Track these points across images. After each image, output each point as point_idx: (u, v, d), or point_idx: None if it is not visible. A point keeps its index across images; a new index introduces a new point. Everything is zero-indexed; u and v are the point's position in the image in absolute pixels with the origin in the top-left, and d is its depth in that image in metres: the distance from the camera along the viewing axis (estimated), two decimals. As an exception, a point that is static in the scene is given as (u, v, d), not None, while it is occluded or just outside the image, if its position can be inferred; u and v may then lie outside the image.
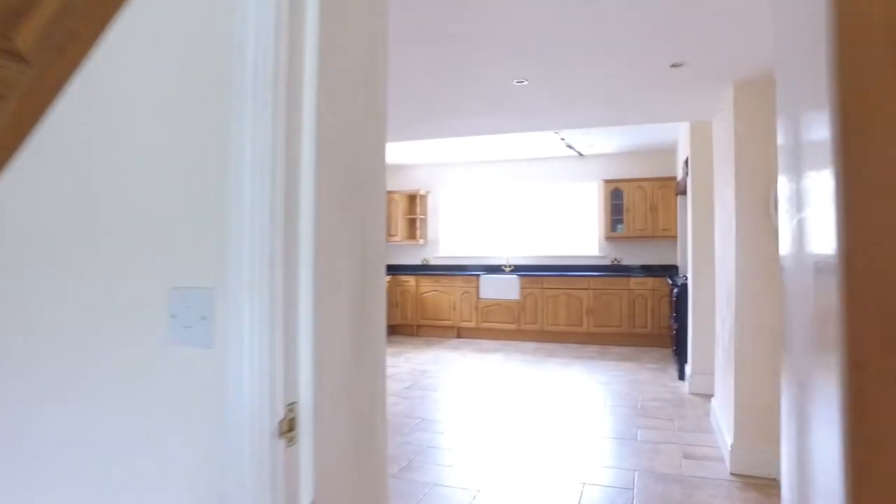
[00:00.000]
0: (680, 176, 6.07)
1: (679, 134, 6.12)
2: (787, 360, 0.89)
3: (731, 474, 3.11)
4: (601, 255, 7.77)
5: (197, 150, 0.92)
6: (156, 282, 0.91)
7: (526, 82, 3.33)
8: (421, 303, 7.97)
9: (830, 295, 0.62)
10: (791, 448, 0.87)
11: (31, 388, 1.00)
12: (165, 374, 0.90)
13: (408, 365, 6.10)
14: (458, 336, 7.81)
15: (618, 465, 3.29)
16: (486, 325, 7.65)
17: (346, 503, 1.02)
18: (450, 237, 8.55)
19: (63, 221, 1.00)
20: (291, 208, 0.87)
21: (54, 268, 1.00)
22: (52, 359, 0.99)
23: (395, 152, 7.45)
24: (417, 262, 8.62)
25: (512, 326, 7.52)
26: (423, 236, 8.56)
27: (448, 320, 7.85)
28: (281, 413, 0.84)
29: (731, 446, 3.17)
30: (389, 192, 8.22)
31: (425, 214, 8.58)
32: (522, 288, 7.50)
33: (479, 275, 7.77)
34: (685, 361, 5.08)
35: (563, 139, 6.61)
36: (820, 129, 0.66)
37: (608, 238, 7.60)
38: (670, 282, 6.25)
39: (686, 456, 3.39)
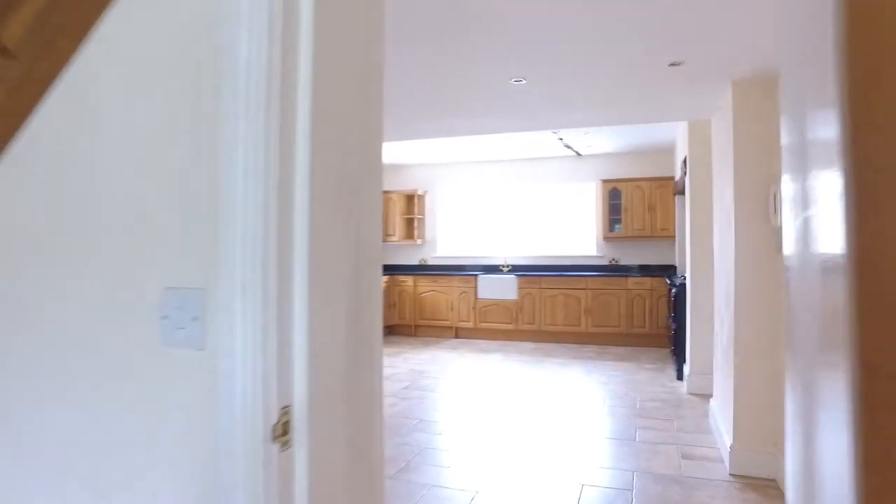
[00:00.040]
0: (678, 175, 6.06)
1: (677, 133, 6.11)
2: (792, 362, 0.88)
3: (731, 475, 3.10)
4: (599, 255, 7.76)
5: (189, 149, 0.90)
6: (147, 282, 0.89)
7: (524, 81, 3.32)
8: (419, 303, 7.95)
9: (839, 295, 0.61)
10: (797, 451, 0.85)
11: (25, 390, 0.98)
12: (156, 377, 0.88)
13: (406, 365, 6.08)
14: (456, 336, 7.79)
15: (616, 465, 3.28)
16: (484, 325, 7.64)
17: (342, 508, 1.00)
18: (448, 237, 8.54)
19: (51, 220, 0.98)
20: (285, 208, 0.85)
21: (41, 268, 0.98)
22: (41, 360, 0.97)
23: (393, 152, 7.43)
24: (415, 262, 8.61)
25: (510, 326, 7.51)
26: (421, 236, 8.54)
27: (446, 320, 7.83)
28: (275, 417, 0.82)
29: (731, 447, 3.16)
30: (387, 192, 8.20)
31: (423, 214, 8.57)
32: (520, 288, 7.49)
33: (476, 275, 7.76)
34: (683, 361, 5.07)
35: (561, 139, 6.60)
36: (827, 127, 0.64)
37: (606, 238, 7.59)
38: (668, 282, 6.24)
39: (685, 456, 3.38)
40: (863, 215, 0.56)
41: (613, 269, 7.59)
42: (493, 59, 2.95)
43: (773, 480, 3.02)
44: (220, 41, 0.85)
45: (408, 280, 8.02)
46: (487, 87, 3.46)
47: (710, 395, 4.27)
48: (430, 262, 8.53)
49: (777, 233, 3.03)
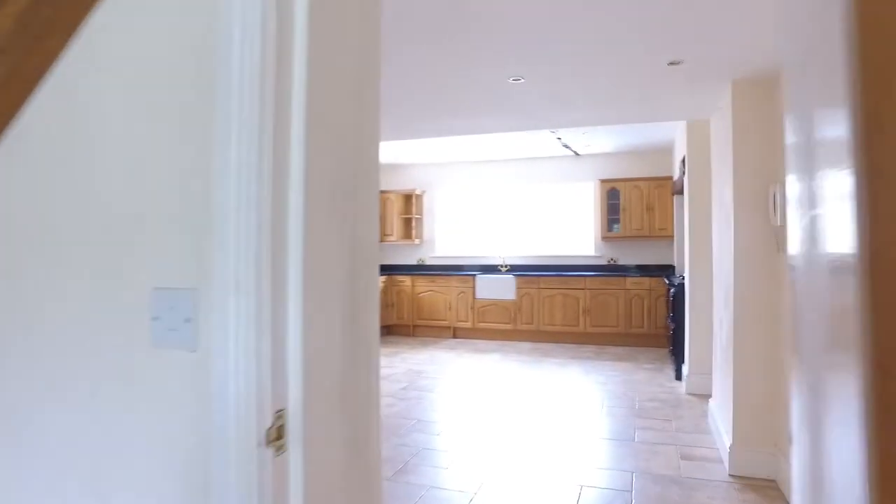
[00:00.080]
0: (676, 175, 6.06)
1: (675, 133, 6.11)
2: (798, 363, 0.86)
3: (730, 475, 3.08)
4: (597, 254, 7.75)
5: (181, 147, 0.88)
6: (137, 282, 0.87)
7: (522, 80, 3.30)
8: (417, 303, 7.93)
9: (848, 294, 0.59)
10: (803, 453, 0.84)
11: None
12: (147, 379, 0.86)
13: (404, 365, 6.06)
14: (455, 336, 7.77)
15: (615, 466, 3.26)
16: (482, 325, 7.62)
17: (338, 512, 0.98)
18: (446, 237, 8.52)
19: (41, 220, 0.95)
20: (279, 207, 0.83)
21: (32, 268, 0.96)
22: (39, 361, 0.95)
23: (391, 152, 7.41)
24: (413, 262, 8.59)
25: (508, 326, 7.49)
26: (419, 236, 8.52)
27: (444, 320, 7.81)
28: (269, 420, 0.80)
29: (730, 447, 3.15)
30: (385, 192, 8.18)
31: (421, 214, 8.55)
32: (519, 288, 7.47)
33: (475, 275, 7.74)
34: (682, 362, 5.06)
35: (559, 139, 6.59)
36: (836, 127, 0.63)
37: (604, 238, 7.58)
38: (667, 281, 6.23)
39: (684, 457, 3.36)
40: (875, 214, 0.54)
41: (612, 269, 7.58)
42: (492, 58, 2.94)
43: (773, 481, 3.01)
44: (213, 40, 0.84)
45: (406, 280, 8.00)
46: (486, 86, 3.45)
47: (709, 396, 4.26)
48: (429, 262, 8.51)
49: (777, 232, 3.02)
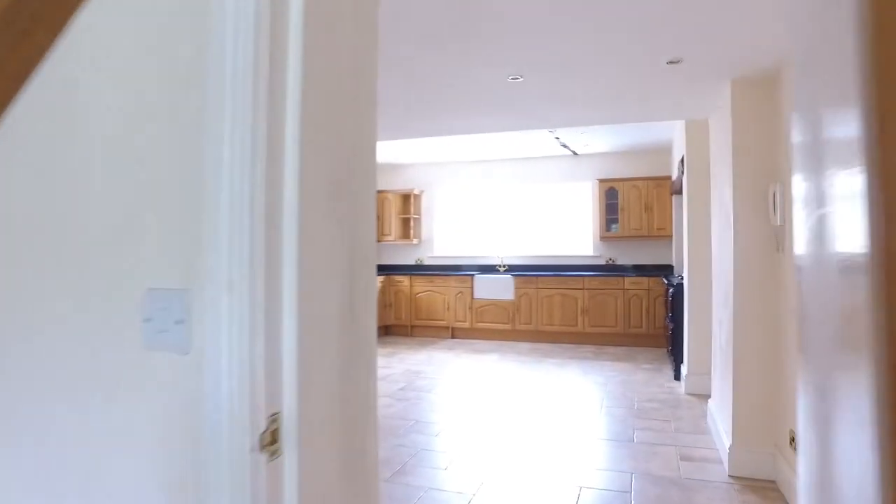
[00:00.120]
0: (675, 175, 6.05)
1: (674, 133, 6.10)
2: (805, 363, 0.84)
3: (730, 476, 3.07)
4: (596, 254, 7.74)
5: (172, 146, 0.86)
6: (128, 282, 0.85)
7: (521, 79, 3.29)
8: (415, 303, 7.92)
9: (859, 294, 0.58)
10: (810, 454, 0.82)
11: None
12: (138, 382, 0.84)
13: (401, 366, 6.04)
14: (453, 336, 7.76)
15: (614, 467, 3.25)
16: (480, 325, 7.61)
17: (334, 517, 0.96)
18: (444, 237, 8.50)
19: (29, 219, 0.93)
20: (274, 206, 0.81)
21: (21, 269, 0.94)
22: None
23: (389, 151, 7.39)
24: (411, 261, 8.57)
25: (507, 327, 7.48)
26: (417, 236, 8.50)
27: (442, 321, 7.79)
28: (263, 425, 0.78)
29: (730, 448, 3.13)
30: (383, 192, 8.16)
31: (419, 214, 8.53)
32: (517, 288, 7.46)
33: (473, 275, 7.73)
34: (681, 362, 5.05)
35: (557, 138, 6.57)
36: (846, 125, 0.62)
37: (603, 238, 7.57)
38: (666, 281, 6.22)
39: (683, 458, 3.35)
40: (888, 213, 0.52)
41: (610, 269, 7.57)
42: (491, 57, 2.92)
43: (773, 482, 2.99)
44: (205, 38, 0.82)
45: (404, 280, 7.98)
46: (485, 85, 3.43)
47: (708, 396, 4.25)
48: (427, 262, 8.49)
49: (777, 232, 3.01)
